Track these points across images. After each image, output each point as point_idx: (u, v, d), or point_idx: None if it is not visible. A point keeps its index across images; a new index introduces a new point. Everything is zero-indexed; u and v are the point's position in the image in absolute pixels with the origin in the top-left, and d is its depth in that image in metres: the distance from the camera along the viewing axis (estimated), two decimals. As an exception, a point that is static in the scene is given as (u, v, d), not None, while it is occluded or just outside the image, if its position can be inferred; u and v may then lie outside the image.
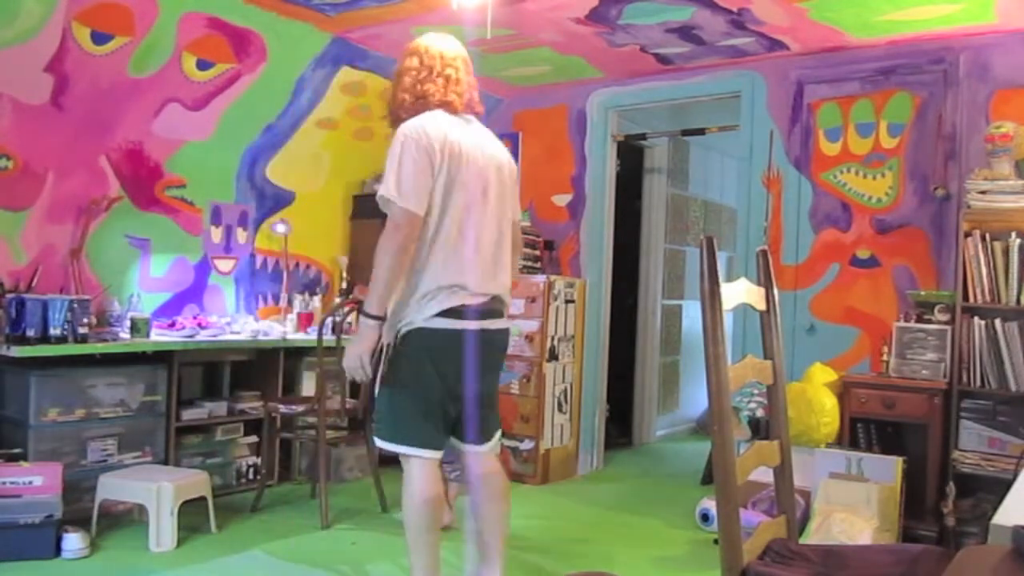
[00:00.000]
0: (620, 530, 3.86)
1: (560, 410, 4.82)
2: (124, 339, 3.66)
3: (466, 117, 2.57)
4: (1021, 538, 1.20)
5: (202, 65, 4.00)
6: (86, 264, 3.94)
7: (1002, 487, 2.07)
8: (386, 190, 2.36)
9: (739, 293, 1.80)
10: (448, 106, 2.52)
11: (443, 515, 2.99)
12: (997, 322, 3.43)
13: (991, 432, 3.45)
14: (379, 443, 2.50)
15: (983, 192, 3.48)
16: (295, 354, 4.38)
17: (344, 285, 5.00)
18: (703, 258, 1.61)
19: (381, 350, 2.45)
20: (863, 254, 4.12)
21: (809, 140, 4.28)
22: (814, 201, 4.26)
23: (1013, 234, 3.42)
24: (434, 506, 2.46)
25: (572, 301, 4.88)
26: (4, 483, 3.04)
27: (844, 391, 3.70)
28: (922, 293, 3.81)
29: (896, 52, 4.02)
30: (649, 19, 3.89)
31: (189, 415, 3.92)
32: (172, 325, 4.03)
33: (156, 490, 3.21)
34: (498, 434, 2.70)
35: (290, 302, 4.76)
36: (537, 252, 4.94)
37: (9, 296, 3.37)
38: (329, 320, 3.90)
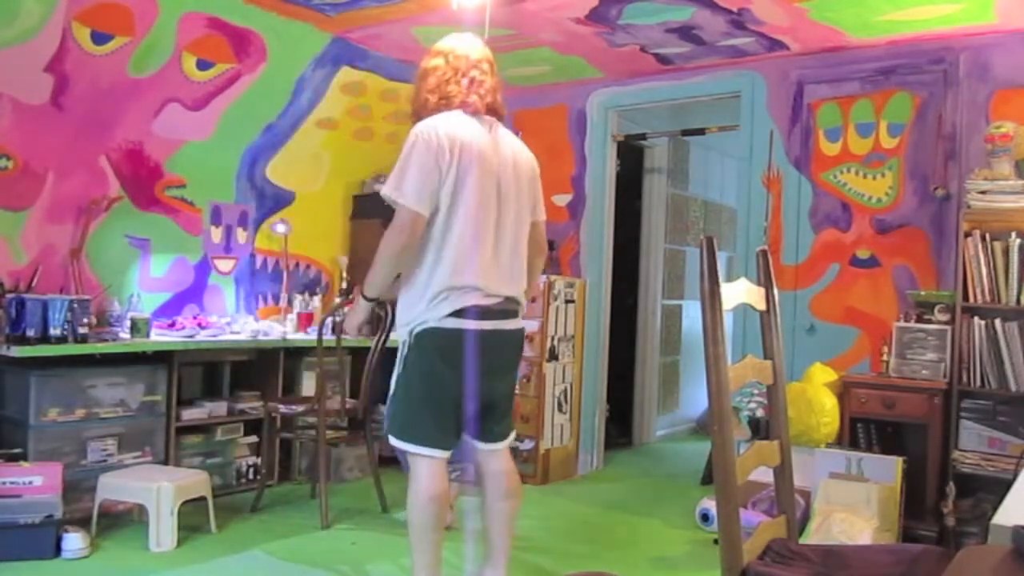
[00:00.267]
0: (620, 530, 3.86)
1: (560, 410, 4.82)
2: (124, 339, 3.66)
3: (485, 119, 2.55)
4: (1021, 538, 1.20)
5: (202, 65, 4.00)
6: (86, 264, 3.94)
7: (1002, 487, 2.07)
8: (389, 188, 2.40)
9: (739, 293, 1.80)
10: (469, 107, 2.51)
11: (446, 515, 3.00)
12: (997, 322, 3.43)
13: (991, 432, 3.45)
14: (392, 441, 2.53)
15: (983, 192, 3.48)
16: (295, 354, 4.38)
17: (344, 285, 5.00)
18: (703, 258, 1.61)
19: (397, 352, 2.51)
20: (863, 254, 4.12)
21: (809, 140, 4.28)
22: (814, 201, 4.26)
23: (1013, 234, 3.42)
24: (439, 504, 2.46)
25: (572, 301, 4.88)
26: (4, 483, 3.04)
27: (844, 391, 3.70)
28: (922, 293, 3.81)
29: (896, 52, 4.02)
30: (649, 19, 3.89)
31: (189, 415, 3.92)
32: (172, 325, 4.03)
33: (156, 490, 3.21)
34: (513, 433, 2.72)
35: (290, 302, 4.76)
36: (537, 252, 4.94)
37: (9, 296, 3.37)
38: (329, 320, 3.90)
